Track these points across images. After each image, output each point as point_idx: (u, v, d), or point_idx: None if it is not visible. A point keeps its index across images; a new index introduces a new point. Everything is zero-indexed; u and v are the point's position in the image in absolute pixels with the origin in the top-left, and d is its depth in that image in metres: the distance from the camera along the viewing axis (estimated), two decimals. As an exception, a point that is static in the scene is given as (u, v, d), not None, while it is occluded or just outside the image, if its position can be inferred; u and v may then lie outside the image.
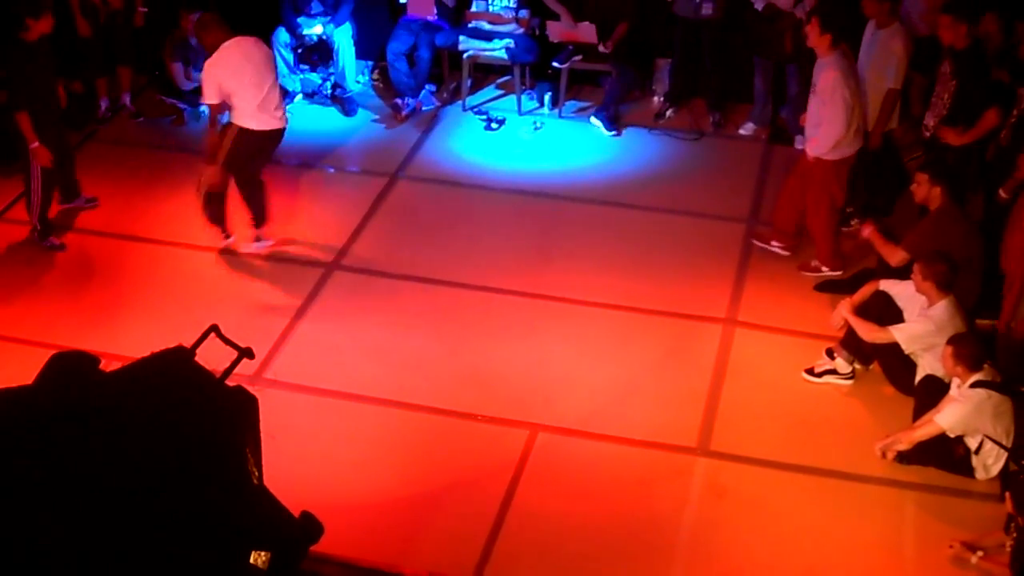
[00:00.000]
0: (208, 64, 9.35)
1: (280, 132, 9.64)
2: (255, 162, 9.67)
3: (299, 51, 12.01)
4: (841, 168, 9.17)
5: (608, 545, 7.21)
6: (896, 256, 8.45)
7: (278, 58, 11.82)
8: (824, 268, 9.40)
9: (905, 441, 7.59)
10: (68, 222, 10.13)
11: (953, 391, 7.52)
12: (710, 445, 7.90)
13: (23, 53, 9.36)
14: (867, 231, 8.74)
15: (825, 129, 8.95)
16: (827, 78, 8.86)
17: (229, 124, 9.50)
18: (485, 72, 12.38)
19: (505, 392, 8.34)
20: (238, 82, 9.29)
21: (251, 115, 9.38)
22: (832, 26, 8.83)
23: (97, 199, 10.38)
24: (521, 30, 11.68)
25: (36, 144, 9.50)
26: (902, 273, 8.21)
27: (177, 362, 4.85)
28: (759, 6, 10.73)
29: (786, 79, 11.01)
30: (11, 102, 9.45)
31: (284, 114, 9.65)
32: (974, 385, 7.38)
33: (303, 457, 7.60)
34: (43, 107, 9.54)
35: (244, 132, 9.42)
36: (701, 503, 7.50)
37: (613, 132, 11.47)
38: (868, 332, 7.99)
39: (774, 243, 9.69)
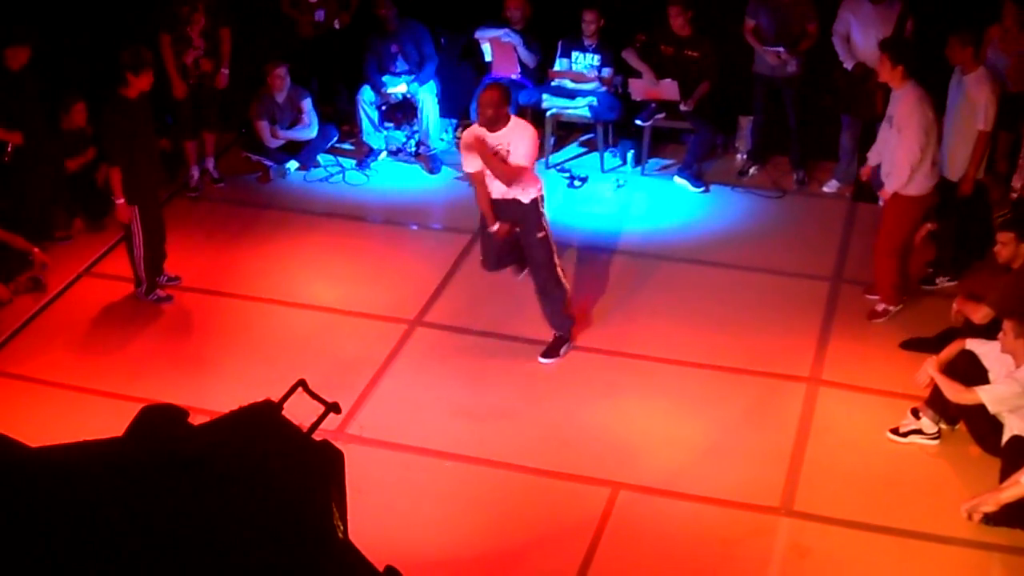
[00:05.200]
0: (527, 138, 8.76)
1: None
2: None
3: (383, 109, 12.14)
4: (917, 206, 9.15)
5: (690, 605, 7.17)
6: (979, 313, 8.35)
7: (363, 116, 11.99)
8: (890, 308, 9.41)
9: (992, 503, 7.48)
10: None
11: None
12: (793, 505, 7.83)
13: (121, 109, 9.46)
14: (956, 305, 8.64)
15: (902, 155, 8.90)
16: (904, 104, 8.88)
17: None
18: (568, 130, 12.45)
19: (587, 450, 8.32)
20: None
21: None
22: (902, 58, 8.84)
23: (180, 278, 10.32)
24: (604, 88, 11.74)
25: (121, 201, 9.55)
26: (988, 332, 8.12)
27: (264, 416, 4.87)
28: (848, 65, 10.71)
29: (875, 137, 10.94)
30: (105, 156, 9.57)
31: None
32: None
33: (384, 512, 7.62)
34: (142, 169, 9.60)
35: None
36: (784, 564, 7.42)
37: (701, 188, 11.48)
38: (954, 392, 7.89)
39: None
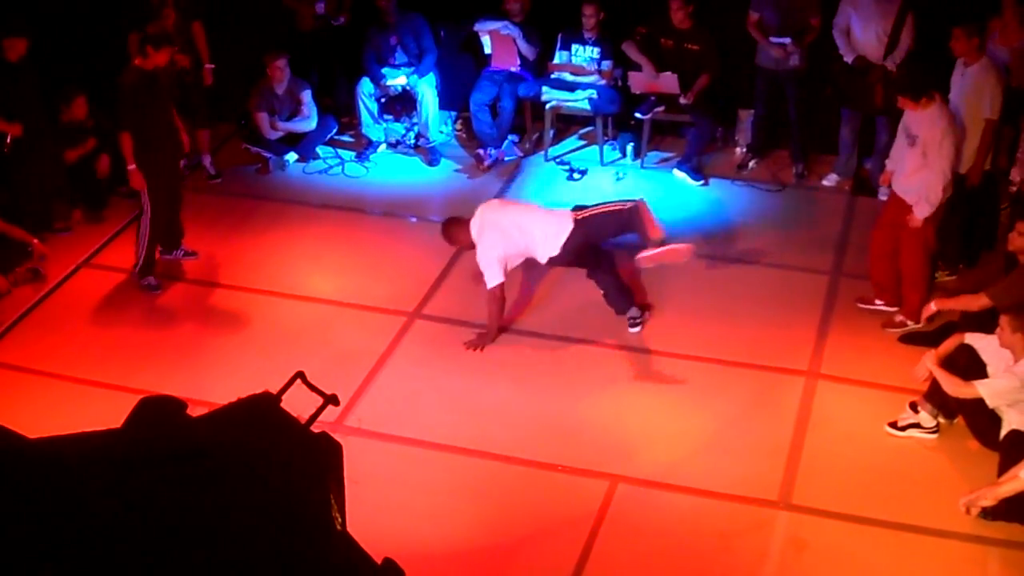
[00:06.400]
0: (482, 252, 9.14)
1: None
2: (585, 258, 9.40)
3: (383, 101, 12.13)
4: (938, 216, 9.10)
5: (688, 598, 7.17)
6: (978, 302, 8.31)
7: (362, 108, 11.98)
8: (909, 322, 9.30)
9: (990, 497, 7.47)
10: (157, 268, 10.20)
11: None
12: (791, 498, 7.83)
13: (135, 76, 9.49)
14: (934, 306, 8.66)
15: (935, 180, 8.82)
16: (936, 130, 8.76)
17: None
18: (567, 123, 12.44)
19: (585, 443, 8.32)
20: (515, 246, 9.20)
21: (543, 255, 9.22)
22: (923, 88, 8.79)
23: (197, 253, 10.44)
24: (603, 81, 11.73)
25: (132, 167, 9.60)
26: (987, 326, 8.11)
27: (263, 408, 4.86)
28: (848, 59, 10.68)
29: (875, 130, 10.93)
30: (116, 123, 9.60)
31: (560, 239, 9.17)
32: None
33: (382, 505, 7.62)
34: (154, 142, 9.65)
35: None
36: (782, 557, 7.42)
37: (700, 181, 11.47)
38: (952, 386, 7.88)
39: (878, 302, 9.56)
